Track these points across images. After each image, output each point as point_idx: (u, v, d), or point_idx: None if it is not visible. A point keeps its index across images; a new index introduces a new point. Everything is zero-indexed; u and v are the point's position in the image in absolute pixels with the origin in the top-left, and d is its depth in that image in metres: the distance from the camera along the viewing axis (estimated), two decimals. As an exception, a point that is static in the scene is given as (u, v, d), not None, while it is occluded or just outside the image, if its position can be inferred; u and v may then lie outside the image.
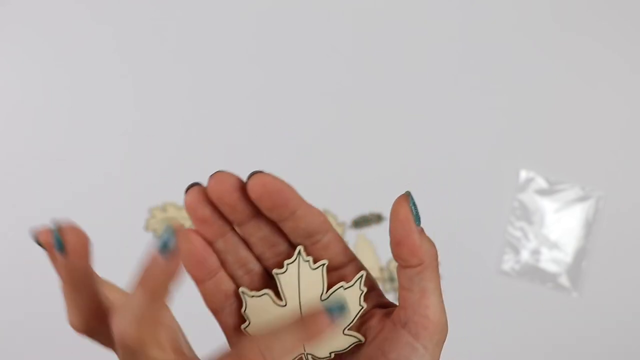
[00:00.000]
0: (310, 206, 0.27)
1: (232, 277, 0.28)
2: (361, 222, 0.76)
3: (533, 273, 0.75)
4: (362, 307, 0.27)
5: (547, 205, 0.76)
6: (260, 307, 0.28)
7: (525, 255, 0.76)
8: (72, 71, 0.78)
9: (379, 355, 0.26)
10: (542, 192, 0.76)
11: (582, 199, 0.76)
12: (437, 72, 0.78)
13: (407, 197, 0.26)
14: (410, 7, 0.79)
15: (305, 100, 0.78)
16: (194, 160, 0.76)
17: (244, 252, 0.28)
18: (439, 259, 0.27)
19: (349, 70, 0.78)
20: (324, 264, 0.27)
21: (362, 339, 0.27)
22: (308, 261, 0.27)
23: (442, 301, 0.26)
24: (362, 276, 0.27)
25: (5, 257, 0.75)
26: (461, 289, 0.76)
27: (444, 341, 0.27)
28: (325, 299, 0.27)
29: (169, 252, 0.23)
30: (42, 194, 0.76)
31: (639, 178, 0.77)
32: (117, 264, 0.74)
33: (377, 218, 0.75)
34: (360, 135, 0.77)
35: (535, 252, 0.76)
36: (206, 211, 0.26)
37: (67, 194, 0.75)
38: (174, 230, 0.23)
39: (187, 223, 0.75)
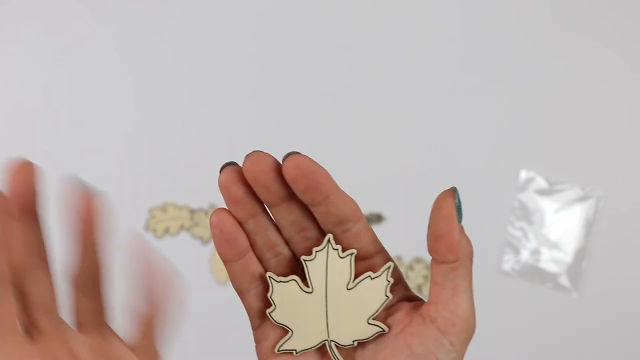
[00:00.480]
0: (343, 193, 0.27)
1: (260, 259, 0.28)
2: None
3: (533, 273, 0.75)
4: (388, 298, 0.28)
5: (547, 205, 0.76)
6: (286, 293, 0.28)
7: (525, 255, 0.75)
8: (72, 71, 0.78)
9: (405, 348, 0.27)
10: (542, 192, 0.76)
11: (582, 199, 0.76)
12: (437, 72, 0.78)
13: (454, 192, 0.26)
14: (410, 7, 0.79)
15: (305, 100, 0.78)
16: (194, 160, 0.76)
17: (273, 235, 0.28)
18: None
19: (349, 70, 0.78)
20: (352, 253, 0.27)
21: (386, 329, 0.28)
22: (337, 250, 0.27)
23: (473, 301, 0.27)
24: (389, 267, 0.27)
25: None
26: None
27: (470, 340, 0.27)
28: (352, 288, 0.28)
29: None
30: (42, 194, 0.75)
31: (639, 178, 0.77)
32: (118, 264, 0.74)
33: (377, 218, 0.75)
34: (360, 135, 0.77)
35: (535, 252, 0.76)
36: (240, 191, 0.26)
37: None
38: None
39: (187, 223, 0.75)
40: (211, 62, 0.78)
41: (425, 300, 0.27)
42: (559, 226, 0.76)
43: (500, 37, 0.79)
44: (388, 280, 0.27)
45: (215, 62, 0.78)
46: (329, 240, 0.27)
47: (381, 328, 0.28)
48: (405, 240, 0.76)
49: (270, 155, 0.26)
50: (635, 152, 0.77)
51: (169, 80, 0.78)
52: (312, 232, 0.28)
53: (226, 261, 0.27)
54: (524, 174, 0.76)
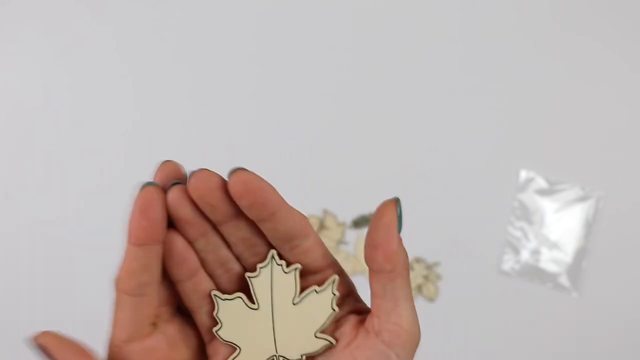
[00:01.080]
0: (291, 208, 0.26)
1: (211, 276, 0.28)
2: (361, 222, 0.76)
3: (533, 273, 0.75)
4: (334, 311, 0.27)
5: (547, 205, 0.76)
6: (232, 310, 0.28)
7: (525, 255, 0.76)
8: (72, 71, 0.78)
9: None
10: (542, 192, 0.76)
11: (582, 199, 0.76)
12: (437, 72, 0.78)
13: (396, 202, 0.26)
14: (410, 7, 0.79)
15: (305, 100, 0.78)
16: (194, 160, 0.76)
17: (224, 252, 0.28)
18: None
19: (349, 70, 0.78)
20: (296, 268, 0.27)
21: (334, 342, 0.28)
22: (281, 265, 0.27)
23: (415, 310, 0.26)
24: (334, 280, 0.27)
25: (5, 257, 0.75)
26: (461, 289, 0.76)
27: (416, 349, 0.27)
28: (297, 303, 0.28)
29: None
30: (42, 194, 0.76)
31: (639, 178, 0.77)
32: (118, 264, 0.74)
33: (377, 218, 0.75)
34: (360, 135, 0.77)
35: (535, 252, 0.76)
36: (188, 211, 0.26)
37: (67, 193, 0.75)
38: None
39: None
40: (211, 62, 0.78)
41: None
42: (559, 226, 0.76)
43: (500, 37, 0.79)
44: (333, 294, 0.27)
45: (215, 62, 0.78)
46: (272, 256, 0.27)
47: (329, 341, 0.28)
48: (405, 240, 0.76)
49: (215, 174, 0.26)
50: (635, 152, 0.77)
51: (169, 80, 0.78)
52: (262, 248, 0.27)
53: (176, 281, 0.27)
54: (524, 174, 0.76)
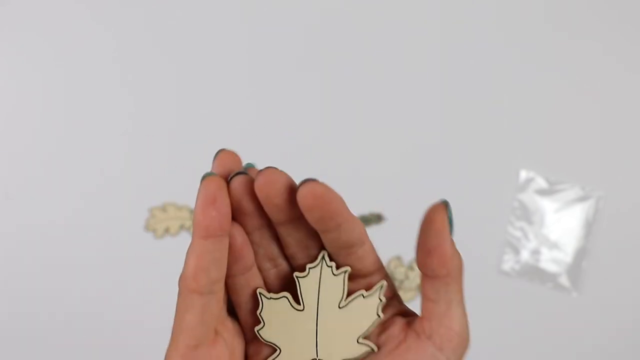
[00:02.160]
0: (354, 218, 0.25)
1: (260, 269, 0.27)
2: (361, 222, 0.75)
3: (533, 273, 0.75)
4: (379, 317, 0.27)
5: (547, 205, 0.76)
6: (277, 310, 0.27)
7: (525, 255, 0.75)
8: (72, 71, 0.78)
9: None
10: (542, 192, 0.76)
11: (582, 199, 0.76)
12: (438, 72, 0.78)
13: (445, 205, 0.25)
14: (410, 8, 0.79)
15: (305, 100, 0.78)
16: (194, 160, 0.76)
17: (274, 248, 0.27)
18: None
19: (350, 70, 0.78)
20: (346, 271, 0.27)
21: (375, 348, 0.27)
22: (331, 267, 0.27)
23: (466, 314, 0.26)
24: (382, 286, 0.27)
25: (5, 257, 0.75)
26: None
27: (466, 354, 0.26)
28: (343, 307, 0.27)
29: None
30: (42, 194, 0.75)
31: (639, 178, 0.77)
32: (118, 264, 0.74)
33: (377, 218, 0.75)
34: (360, 135, 0.77)
35: (535, 252, 0.76)
36: (251, 205, 0.25)
37: (67, 193, 0.75)
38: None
39: (187, 223, 0.75)
40: (212, 62, 0.78)
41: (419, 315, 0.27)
42: (559, 226, 0.76)
43: (500, 37, 0.79)
44: (380, 299, 0.27)
45: (216, 62, 0.78)
46: (323, 257, 0.27)
47: (371, 348, 0.27)
48: (405, 240, 0.76)
49: (283, 174, 0.25)
50: (635, 152, 0.77)
51: (169, 80, 0.78)
52: (315, 251, 0.27)
53: (229, 275, 0.27)
54: (524, 174, 0.76)
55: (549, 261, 0.75)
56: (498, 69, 0.78)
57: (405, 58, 0.79)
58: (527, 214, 0.76)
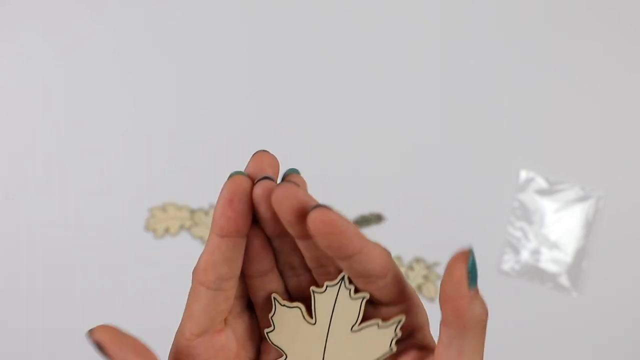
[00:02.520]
0: (373, 249, 0.24)
1: (282, 275, 0.27)
2: (361, 222, 0.75)
3: (533, 273, 0.75)
4: (392, 351, 0.26)
5: (547, 205, 0.76)
6: (288, 318, 0.27)
7: (525, 255, 0.75)
8: (72, 71, 0.78)
9: None
10: (542, 192, 0.76)
11: (582, 199, 0.76)
12: (437, 72, 0.78)
13: (467, 255, 0.24)
14: (411, 8, 0.79)
15: (305, 100, 0.78)
16: (194, 160, 0.76)
17: (297, 259, 0.27)
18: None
19: (349, 70, 0.78)
20: (364, 297, 0.26)
21: None
22: (349, 290, 0.26)
23: None
24: (399, 321, 0.26)
25: (5, 257, 0.75)
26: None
27: None
28: (356, 331, 0.26)
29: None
30: (42, 194, 0.75)
31: (639, 178, 0.77)
32: (118, 264, 0.74)
33: (377, 218, 0.75)
34: (360, 135, 0.77)
35: (535, 252, 0.76)
36: (269, 213, 0.25)
37: (67, 194, 0.75)
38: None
39: (187, 223, 0.75)
40: (211, 62, 0.78)
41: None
42: (559, 226, 0.76)
43: (501, 37, 0.79)
44: (396, 334, 0.26)
45: (216, 62, 0.78)
46: (342, 279, 0.26)
47: None
48: (405, 240, 0.76)
49: (299, 192, 0.24)
50: (635, 152, 0.77)
51: (169, 80, 0.78)
52: (333, 269, 0.26)
53: (247, 275, 0.27)
54: (524, 174, 0.76)
55: (549, 261, 0.75)
56: (498, 69, 0.78)
57: (405, 58, 0.79)
58: (527, 214, 0.76)
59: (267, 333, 0.27)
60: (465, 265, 0.24)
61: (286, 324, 0.27)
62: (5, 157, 0.77)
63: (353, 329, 0.27)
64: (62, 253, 0.74)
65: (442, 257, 0.75)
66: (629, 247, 0.76)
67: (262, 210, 0.25)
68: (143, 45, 0.78)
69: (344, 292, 0.26)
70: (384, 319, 0.26)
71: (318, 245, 0.24)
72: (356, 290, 0.26)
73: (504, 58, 0.78)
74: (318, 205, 0.23)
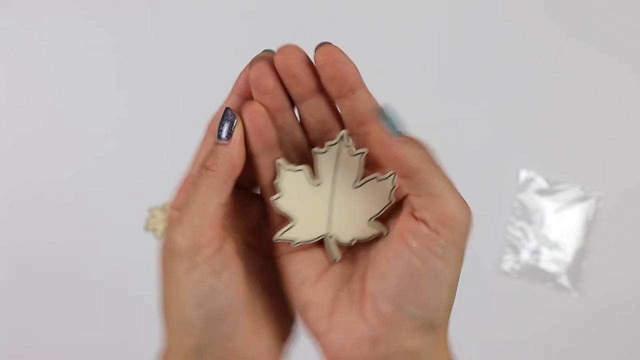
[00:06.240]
0: (370, 93, 0.27)
1: (285, 156, 0.28)
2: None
3: (533, 273, 0.75)
4: (391, 202, 0.28)
5: (547, 205, 0.76)
6: (294, 182, 0.28)
7: (525, 255, 0.76)
8: (72, 71, 0.78)
9: (402, 244, 0.26)
10: (542, 192, 0.76)
11: (582, 199, 0.76)
12: (438, 72, 0.78)
13: (379, 112, 0.26)
14: (410, 8, 0.79)
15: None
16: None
17: (299, 135, 0.28)
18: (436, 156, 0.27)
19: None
20: (363, 152, 0.27)
21: (385, 231, 0.28)
22: (349, 147, 0.27)
23: (458, 196, 0.26)
24: (395, 173, 0.27)
25: (4, 259, 0.75)
26: (461, 289, 0.76)
27: (468, 232, 0.26)
28: (357, 187, 0.28)
29: (230, 136, 0.26)
30: (42, 195, 0.75)
31: (639, 178, 0.77)
32: (118, 264, 0.74)
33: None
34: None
35: (535, 252, 0.76)
36: (270, 82, 0.27)
37: (67, 193, 0.75)
38: (235, 115, 0.26)
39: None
40: (209, 61, 0.78)
41: None
42: (559, 226, 0.76)
43: (501, 37, 0.79)
44: (393, 185, 0.28)
45: (213, 61, 0.78)
46: (342, 136, 0.27)
47: (380, 231, 0.28)
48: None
49: (301, 49, 0.27)
50: (635, 152, 0.77)
51: (170, 80, 0.78)
52: (336, 134, 0.28)
53: (255, 155, 0.27)
54: (524, 174, 0.76)
55: (549, 261, 0.75)
56: (498, 69, 0.78)
57: (405, 58, 0.79)
58: (527, 214, 0.76)
59: (274, 200, 0.28)
60: (377, 122, 0.26)
61: (291, 189, 0.28)
62: (6, 156, 0.77)
63: (355, 184, 0.28)
64: (63, 253, 0.74)
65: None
66: (628, 247, 0.76)
67: (264, 83, 0.27)
68: (143, 45, 0.78)
69: (344, 150, 0.27)
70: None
71: (322, 106, 0.26)
72: (355, 148, 0.27)
73: (504, 58, 0.78)
74: (322, 43, 0.26)
